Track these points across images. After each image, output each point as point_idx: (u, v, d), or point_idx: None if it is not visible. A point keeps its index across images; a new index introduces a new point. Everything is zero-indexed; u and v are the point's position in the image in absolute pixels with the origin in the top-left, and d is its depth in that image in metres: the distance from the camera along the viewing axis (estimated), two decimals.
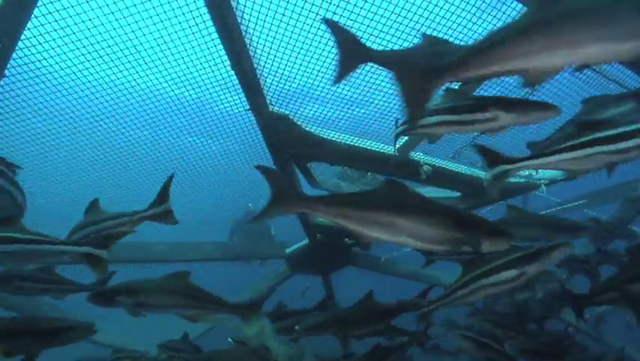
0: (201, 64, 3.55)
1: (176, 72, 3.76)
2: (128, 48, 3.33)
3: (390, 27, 3.17)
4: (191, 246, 6.29)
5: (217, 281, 7.07)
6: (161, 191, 3.36)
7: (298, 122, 4.06)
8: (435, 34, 3.16)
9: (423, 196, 2.66)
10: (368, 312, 4.36)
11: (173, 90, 3.97)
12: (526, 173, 5.26)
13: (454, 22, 3.18)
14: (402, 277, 7.35)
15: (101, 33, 3.16)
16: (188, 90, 3.98)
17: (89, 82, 3.68)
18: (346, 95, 3.97)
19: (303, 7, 2.96)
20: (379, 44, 3.26)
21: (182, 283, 3.66)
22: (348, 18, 3.05)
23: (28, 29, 2.89)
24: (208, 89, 3.88)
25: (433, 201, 2.63)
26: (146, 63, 3.52)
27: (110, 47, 3.28)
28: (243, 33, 3.08)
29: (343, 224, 2.41)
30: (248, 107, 3.79)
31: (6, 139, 4.12)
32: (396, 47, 3.30)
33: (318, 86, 3.74)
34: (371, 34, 3.21)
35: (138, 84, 3.84)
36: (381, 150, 4.57)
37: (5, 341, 3.14)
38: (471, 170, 4.98)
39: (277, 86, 3.68)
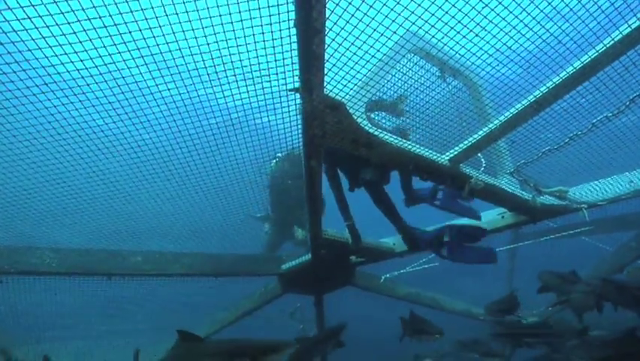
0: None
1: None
2: None
3: None
4: (167, 257, 5.09)
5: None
6: None
7: (353, 116, 3.18)
8: None
9: None
10: None
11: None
12: (569, 195, 4.82)
13: None
14: (401, 300, 6.64)
15: None
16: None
17: None
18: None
19: None
20: None
21: None
22: None
23: None
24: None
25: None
26: None
27: None
28: None
29: None
30: (297, 85, 2.84)
31: None
32: None
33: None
34: None
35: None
36: (433, 158, 3.83)
37: None
38: (518, 191, 4.41)
39: (341, 65, 2.78)
